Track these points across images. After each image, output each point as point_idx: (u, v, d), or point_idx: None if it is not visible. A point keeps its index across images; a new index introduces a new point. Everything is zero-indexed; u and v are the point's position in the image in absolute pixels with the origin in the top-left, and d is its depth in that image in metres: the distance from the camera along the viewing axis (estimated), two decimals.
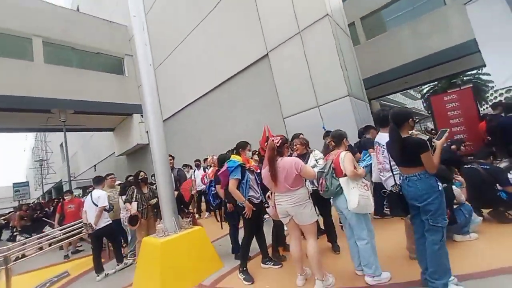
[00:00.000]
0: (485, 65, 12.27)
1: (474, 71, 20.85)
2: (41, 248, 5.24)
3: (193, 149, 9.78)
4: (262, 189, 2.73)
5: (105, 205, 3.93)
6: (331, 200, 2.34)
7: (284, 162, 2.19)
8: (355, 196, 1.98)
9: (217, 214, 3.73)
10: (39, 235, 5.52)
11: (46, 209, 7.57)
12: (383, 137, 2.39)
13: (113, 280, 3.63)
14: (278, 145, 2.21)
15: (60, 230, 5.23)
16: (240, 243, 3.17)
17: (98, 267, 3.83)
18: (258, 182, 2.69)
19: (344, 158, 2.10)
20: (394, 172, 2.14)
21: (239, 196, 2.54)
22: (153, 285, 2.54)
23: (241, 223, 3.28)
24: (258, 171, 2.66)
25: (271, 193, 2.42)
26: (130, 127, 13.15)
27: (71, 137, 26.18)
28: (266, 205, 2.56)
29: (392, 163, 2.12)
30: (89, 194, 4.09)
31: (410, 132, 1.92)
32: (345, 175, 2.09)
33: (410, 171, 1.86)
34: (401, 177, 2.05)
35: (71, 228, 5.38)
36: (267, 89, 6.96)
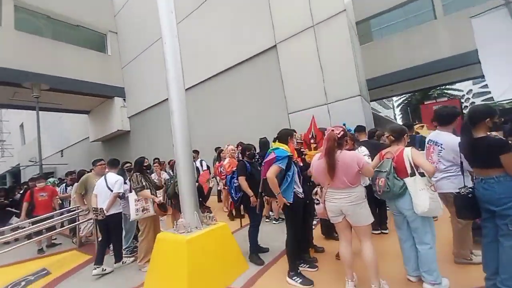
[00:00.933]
0: (467, 79, 13.34)
1: (443, 86, 22.69)
2: (8, 242, 4.52)
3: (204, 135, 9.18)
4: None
5: (120, 191, 3.45)
6: (388, 201, 2.19)
7: (344, 156, 1.98)
8: (425, 199, 1.84)
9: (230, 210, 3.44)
10: (7, 227, 4.74)
11: (16, 195, 6.52)
12: (440, 135, 2.30)
13: (112, 280, 3.17)
14: (339, 136, 1.99)
15: (32, 223, 4.54)
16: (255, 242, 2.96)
17: (99, 258, 3.36)
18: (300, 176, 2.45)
19: (413, 155, 1.94)
20: (457, 173, 2.04)
21: (276, 186, 2.26)
22: None
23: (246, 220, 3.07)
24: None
25: (320, 189, 2.20)
26: (109, 111, 12.08)
27: (33, 117, 23.62)
28: (316, 202, 2.33)
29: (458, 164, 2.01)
30: (103, 178, 3.58)
31: (488, 132, 1.81)
32: (411, 175, 1.94)
33: (487, 173, 1.75)
34: (466, 178, 1.96)
35: (45, 220, 4.72)
36: (272, 82, 6.71)
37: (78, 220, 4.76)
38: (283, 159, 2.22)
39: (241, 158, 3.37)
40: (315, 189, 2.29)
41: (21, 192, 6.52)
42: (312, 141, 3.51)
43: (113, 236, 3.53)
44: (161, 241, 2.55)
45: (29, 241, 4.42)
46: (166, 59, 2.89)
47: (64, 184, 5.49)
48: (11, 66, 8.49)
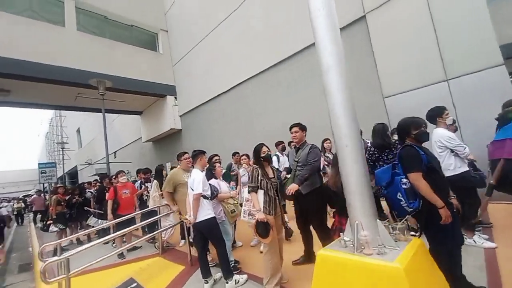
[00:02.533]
0: None
1: None
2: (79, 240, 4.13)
3: (242, 136, 8.55)
4: None
5: (199, 192, 2.73)
6: None
7: None
8: None
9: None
10: (92, 229, 4.39)
11: (90, 191, 6.38)
12: None
13: None
14: None
15: (119, 224, 4.08)
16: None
17: (206, 271, 2.72)
18: None
19: None
20: None
21: None
22: None
23: None
24: None
25: None
26: (162, 110, 12.00)
27: (89, 122, 25.41)
28: None
29: None
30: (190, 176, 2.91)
31: None
32: None
33: None
34: None
35: (130, 220, 4.27)
36: (359, 61, 5.62)
37: (160, 222, 4.23)
38: None
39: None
40: None
41: (95, 190, 6.34)
42: None
43: (215, 245, 2.80)
44: (333, 265, 1.69)
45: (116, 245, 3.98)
46: None
47: (139, 182, 5.07)
48: (75, 66, 8.66)
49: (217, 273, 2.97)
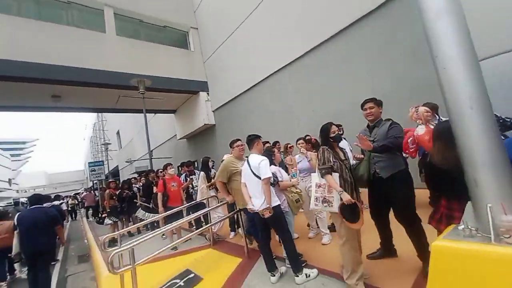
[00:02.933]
0: None
1: None
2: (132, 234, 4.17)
3: (280, 126, 8.25)
4: None
5: (269, 176, 2.50)
6: None
7: None
8: None
9: None
10: (142, 221, 4.45)
11: (136, 186, 6.63)
12: None
13: None
14: None
15: (169, 217, 4.05)
16: None
17: (271, 263, 2.57)
18: None
19: None
20: None
21: None
22: None
23: None
24: None
25: None
26: (195, 107, 12.18)
27: (127, 124, 27.10)
28: None
29: None
30: (246, 162, 2.71)
31: None
32: None
33: None
34: None
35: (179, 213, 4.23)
36: (414, 31, 4.96)
37: (210, 214, 4.13)
38: None
39: None
40: None
41: (142, 184, 6.54)
42: None
43: (281, 236, 2.55)
44: (460, 259, 1.34)
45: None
46: None
47: (184, 175, 5.06)
48: (117, 69, 9.08)
49: (281, 266, 2.73)
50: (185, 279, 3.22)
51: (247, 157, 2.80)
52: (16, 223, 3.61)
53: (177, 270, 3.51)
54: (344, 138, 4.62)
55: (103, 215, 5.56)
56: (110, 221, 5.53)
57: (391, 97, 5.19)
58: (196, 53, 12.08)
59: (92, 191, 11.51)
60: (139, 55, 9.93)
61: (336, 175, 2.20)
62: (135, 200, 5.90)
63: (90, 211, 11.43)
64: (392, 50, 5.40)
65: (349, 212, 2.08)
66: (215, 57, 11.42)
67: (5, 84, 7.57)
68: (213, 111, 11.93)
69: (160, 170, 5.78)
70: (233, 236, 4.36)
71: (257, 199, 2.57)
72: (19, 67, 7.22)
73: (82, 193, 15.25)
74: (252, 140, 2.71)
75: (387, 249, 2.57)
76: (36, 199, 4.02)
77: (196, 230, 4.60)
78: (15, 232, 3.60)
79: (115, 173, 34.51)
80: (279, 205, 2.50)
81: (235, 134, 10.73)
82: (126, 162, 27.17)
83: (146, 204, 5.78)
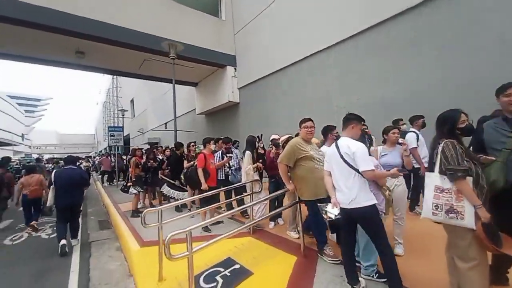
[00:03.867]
0: None
1: None
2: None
3: (318, 113, 7.61)
4: None
5: (372, 168, 1.98)
6: None
7: None
8: None
9: None
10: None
11: (161, 157, 6.20)
12: None
13: None
14: None
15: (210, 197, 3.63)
16: None
17: (354, 274, 2.15)
18: None
19: None
20: None
21: None
22: None
23: None
24: None
25: None
26: (220, 82, 11.53)
27: (142, 93, 26.65)
28: None
29: None
30: (334, 145, 2.18)
31: None
32: None
33: None
34: None
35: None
36: (504, 17, 4.15)
37: (252, 200, 3.70)
38: None
39: None
40: None
41: (166, 157, 6.14)
42: None
43: (377, 242, 2.07)
44: None
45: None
46: None
47: (219, 152, 4.58)
48: (146, 30, 8.46)
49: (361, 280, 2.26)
50: (230, 269, 2.85)
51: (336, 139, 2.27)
52: (53, 180, 3.99)
53: (216, 256, 3.14)
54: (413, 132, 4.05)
55: (128, 184, 5.21)
56: (135, 191, 5.20)
57: (467, 92, 4.50)
58: (227, 23, 11.23)
59: (108, 156, 11.30)
60: (168, 18, 9.24)
61: (470, 180, 1.67)
62: (162, 177, 5.52)
63: (106, 177, 11.30)
64: (473, 36, 4.60)
65: (492, 231, 1.57)
66: (248, 29, 10.58)
67: (32, 32, 7.08)
68: (238, 89, 11.28)
69: (192, 144, 5.33)
70: (273, 226, 3.97)
71: (343, 194, 2.08)
72: (47, 14, 6.68)
73: (95, 157, 15.18)
74: (349, 120, 2.17)
75: (497, 275, 2.08)
76: (71, 160, 4.47)
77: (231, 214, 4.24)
78: (51, 187, 4.02)
79: (125, 141, 34.63)
80: (375, 204, 2.00)
81: (261, 116, 10.28)
82: (139, 132, 27.13)
83: (170, 181, 5.41)
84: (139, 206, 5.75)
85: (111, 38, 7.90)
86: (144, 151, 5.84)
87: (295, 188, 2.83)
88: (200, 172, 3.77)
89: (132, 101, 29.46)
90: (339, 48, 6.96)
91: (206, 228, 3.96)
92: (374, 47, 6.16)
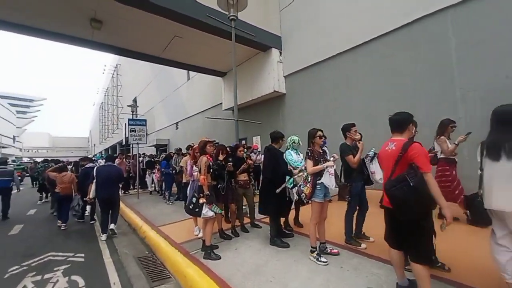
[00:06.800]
0: None
1: None
2: None
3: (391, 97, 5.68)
4: None
5: None
6: None
7: None
8: None
9: None
10: None
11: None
12: None
13: None
14: None
15: None
16: None
17: None
18: None
19: None
20: None
21: None
22: None
23: None
24: None
25: None
26: (262, 68, 9.46)
27: (147, 91, 24.39)
28: None
29: None
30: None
31: None
32: None
33: None
34: None
35: None
36: None
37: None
38: None
39: None
40: None
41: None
42: None
43: None
44: None
45: None
46: None
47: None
48: None
49: None
50: None
51: None
52: (95, 175, 4.49)
53: None
54: None
55: (201, 201, 2.99)
56: (211, 213, 3.05)
57: None
58: None
59: (123, 159, 9.07)
60: None
61: None
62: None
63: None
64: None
65: None
66: (297, 4, 8.66)
67: None
68: (284, 77, 9.28)
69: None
70: None
71: None
72: None
73: (98, 159, 12.84)
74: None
75: None
76: (110, 158, 5.33)
77: None
78: (94, 181, 4.49)
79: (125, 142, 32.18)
80: None
81: (301, 111, 8.27)
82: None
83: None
84: (199, 235, 3.66)
85: None
86: (221, 147, 3.60)
87: None
88: None
89: (135, 100, 27.11)
90: (411, 28, 5.03)
91: None
92: (458, 27, 4.25)
